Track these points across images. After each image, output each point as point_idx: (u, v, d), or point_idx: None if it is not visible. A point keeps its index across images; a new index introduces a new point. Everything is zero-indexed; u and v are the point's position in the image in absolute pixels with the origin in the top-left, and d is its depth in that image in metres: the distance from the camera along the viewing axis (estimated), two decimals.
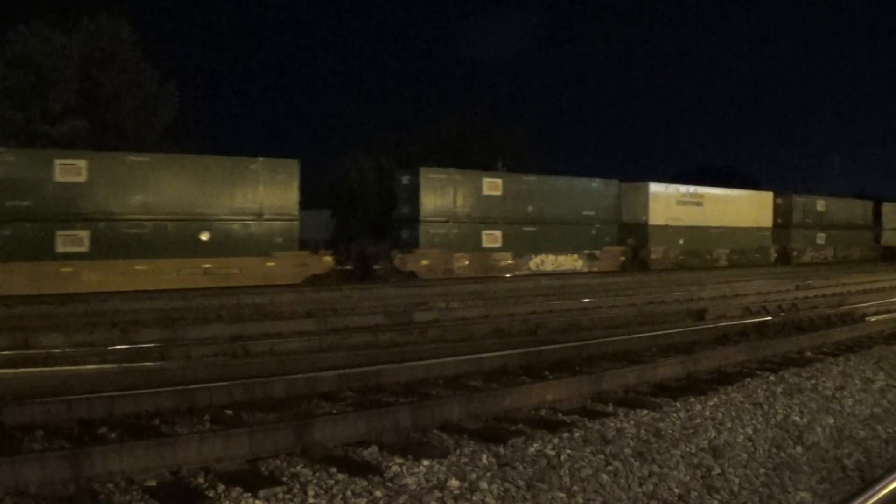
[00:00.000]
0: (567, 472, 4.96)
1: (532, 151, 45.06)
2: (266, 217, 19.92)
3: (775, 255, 34.33)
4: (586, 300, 16.99)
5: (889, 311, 14.63)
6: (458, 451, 5.29)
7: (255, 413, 6.60)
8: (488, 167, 28.94)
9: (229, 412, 6.59)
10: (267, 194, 19.95)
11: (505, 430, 6.09)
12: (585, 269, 25.87)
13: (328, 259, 21.10)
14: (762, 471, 5.25)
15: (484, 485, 4.64)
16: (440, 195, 23.07)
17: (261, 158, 20.22)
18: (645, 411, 6.58)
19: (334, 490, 4.51)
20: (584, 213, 26.65)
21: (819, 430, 6.31)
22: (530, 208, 25.09)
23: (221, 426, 6.07)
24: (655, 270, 27.44)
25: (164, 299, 16.01)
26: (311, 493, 4.47)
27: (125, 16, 29.41)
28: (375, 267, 21.97)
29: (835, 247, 38.14)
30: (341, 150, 41.91)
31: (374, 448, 5.49)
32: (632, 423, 6.17)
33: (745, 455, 5.54)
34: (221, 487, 4.62)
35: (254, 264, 19.45)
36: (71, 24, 28.14)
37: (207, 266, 18.83)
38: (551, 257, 25.39)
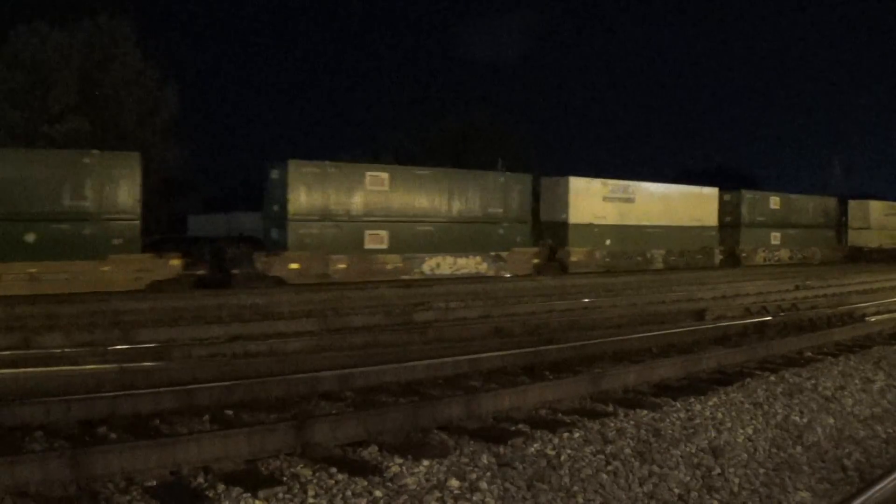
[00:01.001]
0: (567, 472, 4.96)
1: (533, 151, 45.09)
2: (102, 216, 17.78)
3: (721, 256, 31.48)
4: (586, 300, 17.00)
5: (889, 311, 14.62)
6: (458, 451, 5.30)
7: (255, 413, 6.60)
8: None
9: (229, 412, 6.59)
10: (103, 191, 17.74)
11: (505, 430, 6.09)
12: (491, 273, 23.23)
13: (175, 263, 18.74)
14: (762, 471, 5.25)
15: (484, 485, 4.64)
16: (313, 191, 20.51)
17: (96, 151, 18.25)
18: (645, 411, 6.59)
19: (334, 490, 4.51)
20: (490, 210, 23.84)
21: (819, 430, 6.31)
22: (424, 205, 22.44)
23: (221, 426, 6.07)
24: (576, 274, 24.89)
25: (164, 299, 16.00)
26: (311, 493, 4.47)
27: (125, 16, 29.45)
28: (234, 272, 19.57)
29: (792, 247, 35.30)
30: (342, 150, 41.90)
31: (374, 448, 5.49)
32: (632, 423, 6.17)
33: (745, 455, 5.54)
34: (221, 487, 4.62)
35: (86, 269, 17.38)
36: (71, 24, 28.15)
37: (33, 271, 16.81)
38: (449, 259, 22.64)
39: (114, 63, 28.74)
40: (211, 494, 4.53)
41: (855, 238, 39.93)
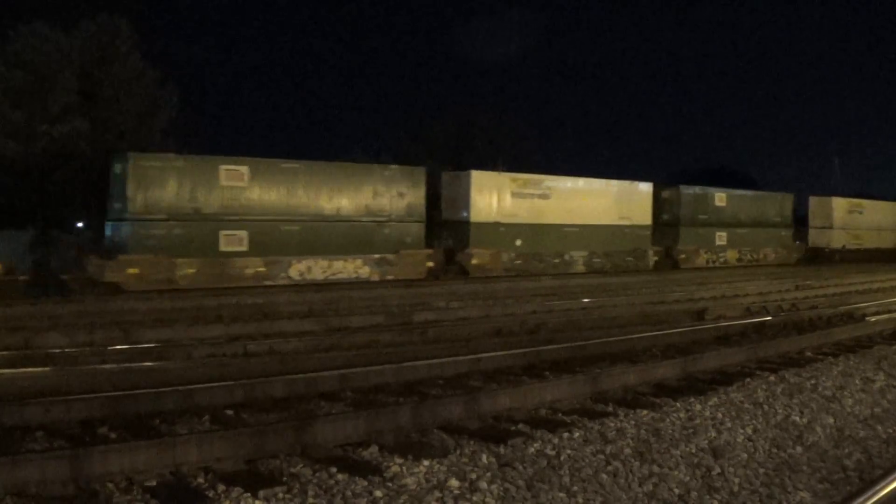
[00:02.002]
0: (567, 472, 4.96)
1: (533, 151, 45.07)
2: None
3: (655, 258, 28.76)
4: (586, 300, 17.00)
5: (889, 311, 14.62)
6: (458, 451, 5.30)
7: (255, 413, 6.60)
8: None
9: (229, 412, 6.59)
10: None
11: (505, 430, 6.09)
12: (376, 278, 21.08)
13: None
14: (762, 471, 5.24)
15: (484, 485, 4.64)
16: (157, 186, 18.30)
17: None
18: (645, 411, 6.58)
19: (334, 490, 4.51)
20: (374, 207, 21.53)
21: (819, 430, 6.30)
22: (291, 201, 20.10)
23: (221, 426, 6.07)
24: (479, 279, 22.49)
25: (164, 299, 16.02)
26: (311, 493, 4.47)
27: (125, 16, 29.44)
28: (63, 277, 17.86)
29: (740, 248, 32.55)
30: (342, 150, 41.92)
31: (374, 448, 5.49)
32: (632, 423, 6.17)
33: (745, 455, 5.54)
34: (221, 487, 4.62)
35: None
36: (71, 24, 28.16)
37: None
38: (323, 263, 20.44)
39: (114, 63, 28.72)
40: (211, 494, 4.53)
41: (816, 238, 37.30)
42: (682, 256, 29.99)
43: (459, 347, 9.77)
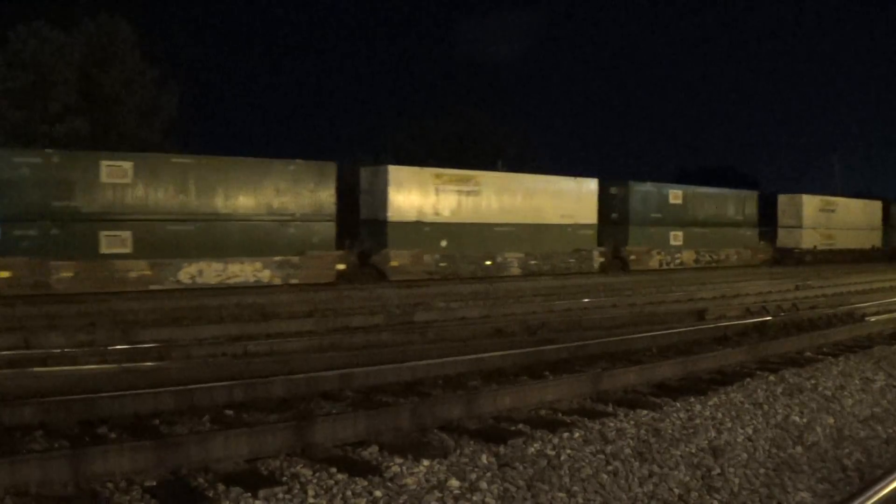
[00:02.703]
0: (567, 472, 4.96)
1: (534, 150, 45.09)
2: None
3: (602, 259, 26.83)
4: (586, 300, 17.00)
5: (889, 311, 14.62)
6: (458, 451, 5.29)
7: (255, 413, 6.61)
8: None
9: (229, 412, 6.59)
10: None
11: (505, 430, 6.09)
12: (278, 282, 19.56)
13: None
14: (762, 471, 5.25)
15: (484, 485, 4.64)
16: (30, 184, 17.11)
17: None
18: (645, 411, 6.58)
19: (334, 490, 4.51)
20: (277, 205, 19.88)
21: (819, 430, 6.31)
22: (181, 200, 18.60)
23: (221, 426, 6.07)
24: (399, 282, 20.99)
25: (164, 299, 16.02)
26: (311, 493, 4.47)
27: (125, 16, 29.48)
28: None
29: (698, 249, 30.48)
30: (342, 149, 41.93)
31: (374, 448, 5.49)
32: (632, 423, 6.17)
33: (745, 455, 5.54)
34: (221, 487, 4.62)
35: None
36: (71, 24, 28.18)
37: None
38: (217, 266, 18.87)
39: (114, 63, 28.77)
40: (211, 494, 4.54)
41: (785, 238, 35.44)
42: (632, 258, 27.98)
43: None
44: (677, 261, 29.69)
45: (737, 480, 5.02)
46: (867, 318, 13.38)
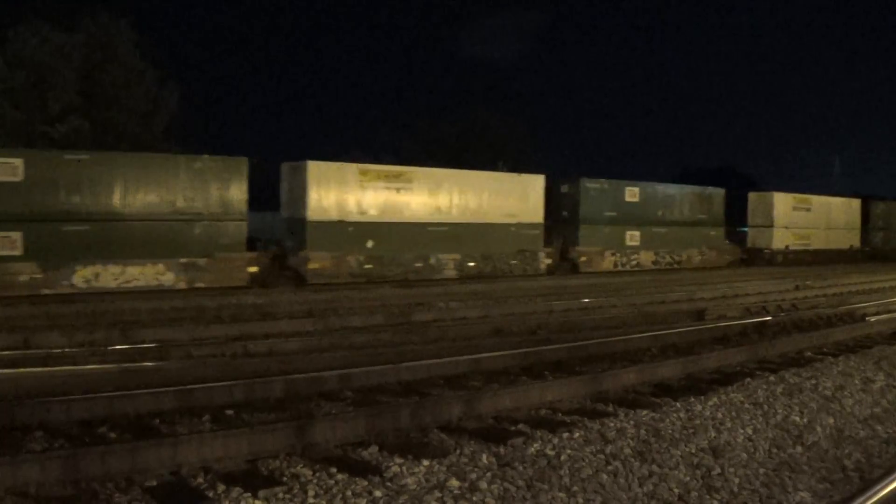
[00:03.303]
0: (567, 472, 4.96)
1: (534, 150, 45.09)
2: None
3: (549, 261, 25.12)
4: (586, 300, 17.00)
5: (889, 311, 14.63)
6: (458, 451, 5.30)
7: (255, 413, 6.61)
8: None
9: (229, 412, 6.59)
10: None
11: (505, 430, 6.09)
12: (182, 285, 18.19)
13: None
14: (762, 471, 5.25)
15: (484, 485, 4.64)
16: None
17: None
18: (645, 411, 6.59)
19: (334, 490, 4.51)
20: (181, 204, 18.48)
21: (819, 430, 6.31)
22: (75, 199, 17.32)
23: (221, 426, 6.07)
24: (321, 287, 19.33)
25: (164, 299, 16.02)
26: (311, 493, 4.47)
27: (125, 16, 29.47)
28: None
29: (657, 249, 28.66)
30: (342, 149, 41.96)
31: (374, 448, 5.49)
32: (632, 423, 6.17)
33: (745, 455, 5.54)
34: (221, 487, 4.62)
35: None
36: (71, 24, 28.17)
37: None
38: (114, 269, 17.64)
39: (114, 63, 28.75)
40: (211, 494, 4.54)
41: (756, 238, 33.63)
42: (583, 259, 26.26)
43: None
44: (634, 262, 27.95)
45: (737, 480, 5.02)
46: (867, 318, 13.39)
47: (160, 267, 18.14)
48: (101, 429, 6.01)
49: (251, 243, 19.98)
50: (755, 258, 32.57)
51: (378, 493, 4.46)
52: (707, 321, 13.09)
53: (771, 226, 33.32)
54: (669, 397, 7.21)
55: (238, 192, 19.15)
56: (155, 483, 4.73)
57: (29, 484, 4.47)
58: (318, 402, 7.10)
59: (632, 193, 28.01)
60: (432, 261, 22.32)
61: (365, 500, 4.39)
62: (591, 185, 26.89)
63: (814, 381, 7.90)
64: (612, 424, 6.10)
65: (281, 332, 11.84)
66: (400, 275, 21.48)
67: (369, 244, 21.08)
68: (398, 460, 5.09)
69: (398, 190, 21.75)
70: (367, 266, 21.04)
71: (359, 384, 7.56)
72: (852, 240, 37.85)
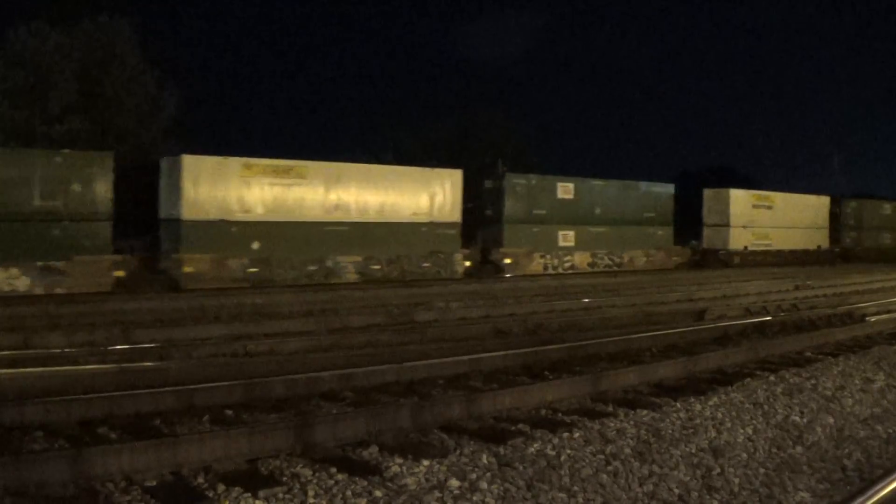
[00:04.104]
0: (567, 472, 4.96)
1: (535, 151, 45.03)
2: None
3: (467, 263, 23.01)
4: (586, 300, 17.00)
5: (889, 311, 14.63)
6: (458, 451, 5.30)
7: (255, 413, 6.61)
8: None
9: (229, 412, 6.59)
10: None
11: (505, 430, 6.09)
12: (40, 291, 16.59)
13: None
14: (762, 471, 5.25)
15: (484, 485, 4.64)
16: None
17: None
18: (645, 411, 6.59)
19: (334, 490, 4.51)
20: (38, 203, 16.83)
21: (819, 430, 6.31)
22: None
23: (221, 426, 6.07)
24: (195, 293, 17.24)
25: (164, 299, 16.02)
26: (311, 493, 4.47)
27: (125, 16, 29.45)
28: None
29: (594, 251, 26.39)
30: (342, 149, 41.95)
31: (374, 448, 5.49)
32: (632, 423, 6.17)
33: (745, 455, 5.54)
34: (221, 487, 4.62)
35: None
36: (71, 24, 28.17)
37: None
38: None
39: (114, 63, 28.73)
40: (211, 494, 4.54)
41: (712, 238, 31.06)
42: (507, 261, 23.90)
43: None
44: (567, 265, 25.66)
45: (737, 480, 5.02)
46: (867, 318, 13.39)
47: (14, 271, 16.61)
48: (101, 429, 6.01)
49: None
50: (709, 259, 30.35)
51: (378, 493, 4.46)
52: (707, 321, 13.10)
53: (727, 225, 30.90)
54: (669, 397, 7.21)
55: (103, 190, 17.53)
56: (155, 483, 4.73)
57: (29, 484, 4.46)
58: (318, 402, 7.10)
59: (565, 190, 25.78)
60: (329, 263, 20.22)
61: (365, 500, 4.39)
62: (517, 180, 24.96)
63: (814, 381, 7.90)
64: (612, 424, 6.10)
65: (279, 331, 11.83)
66: (291, 279, 19.63)
67: (255, 246, 19.10)
68: (398, 460, 5.09)
69: (289, 186, 19.71)
70: (251, 270, 19.03)
71: (359, 384, 7.56)
72: (820, 240, 35.51)
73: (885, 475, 4.93)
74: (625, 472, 5.01)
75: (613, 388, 7.55)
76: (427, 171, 22.97)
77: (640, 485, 4.85)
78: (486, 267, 23.65)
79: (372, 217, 20.97)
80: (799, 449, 5.80)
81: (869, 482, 4.93)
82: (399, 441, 5.67)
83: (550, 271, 24.98)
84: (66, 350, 9.57)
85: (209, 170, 18.76)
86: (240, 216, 18.95)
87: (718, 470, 5.19)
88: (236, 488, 4.56)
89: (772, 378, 8.05)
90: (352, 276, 20.54)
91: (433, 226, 22.12)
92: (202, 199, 18.53)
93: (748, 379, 8.08)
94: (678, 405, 6.79)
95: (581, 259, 26.12)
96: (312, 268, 19.97)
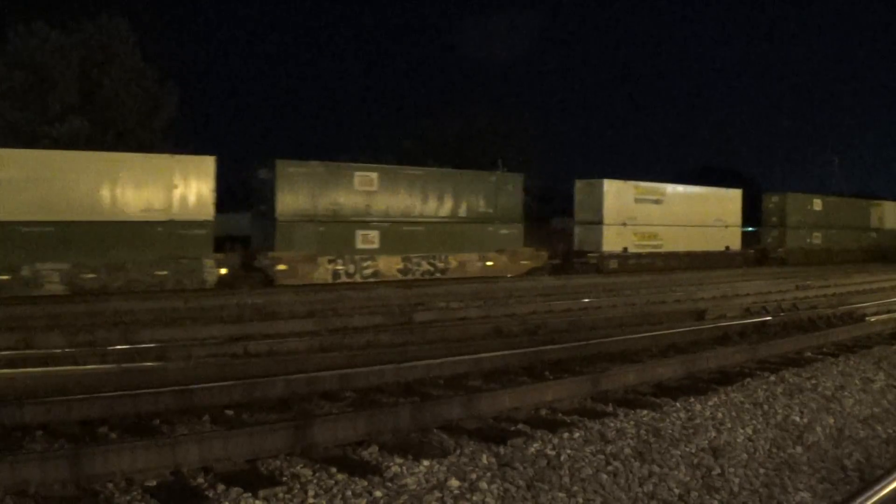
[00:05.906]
0: (567, 472, 4.96)
1: (535, 150, 44.97)
2: None
3: (222, 271, 18.82)
4: (586, 300, 17.00)
5: (889, 311, 14.63)
6: (459, 451, 5.29)
7: (255, 413, 6.60)
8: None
9: (229, 412, 6.59)
10: None
11: (505, 430, 6.09)
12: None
13: None
14: (762, 471, 5.25)
15: (484, 485, 4.64)
16: None
17: None
18: (645, 411, 6.58)
19: (334, 490, 4.51)
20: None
21: (819, 430, 6.31)
22: None
23: (221, 426, 6.07)
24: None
25: (164, 299, 16.01)
26: (311, 493, 4.47)
27: (125, 16, 29.45)
28: None
29: (408, 254, 21.76)
30: (342, 149, 41.95)
31: (374, 448, 5.49)
32: (632, 423, 6.17)
33: (745, 455, 5.54)
34: (221, 487, 4.62)
35: None
36: (71, 24, 28.17)
37: None
38: None
39: (114, 63, 28.74)
40: (211, 494, 4.53)
41: (584, 237, 26.39)
42: (281, 267, 19.54)
43: None
44: (368, 271, 21.02)
45: (737, 480, 5.02)
46: (867, 318, 13.39)
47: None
48: (101, 429, 6.01)
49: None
50: (576, 265, 25.89)
51: (378, 493, 4.46)
52: (707, 321, 13.09)
53: (600, 223, 26.09)
54: (669, 397, 7.20)
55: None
56: (155, 483, 4.73)
57: (29, 484, 4.46)
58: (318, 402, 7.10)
59: (366, 180, 21.17)
60: (26, 272, 16.53)
61: (365, 500, 4.39)
62: (295, 168, 20.31)
63: (814, 381, 7.90)
64: (612, 424, 6.10)
65: (280, 331, 11.82)
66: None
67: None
68: (398, 460, 5.09)
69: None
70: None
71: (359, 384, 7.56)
72: (729, 240, 30.93)
73: (885, 475, 4.93)
74: (625, 472, 5.01)
75: (613, 388, 7.54)
76: (164, 157, 18.95)
77: (640, 485, 4.84)
78: (253, 275, 19.46)
79: (84, 215, 17.13)
80: (799, 449, 5.80)
81: (869, 482, 4.93)
82: (399, 441, 5.67)
83: (345, 279, 20.51)
84: (67, 350, 9.56)
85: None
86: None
87: (718, 470, 5.18)
88: (236, 488, 4.56)
89: (772, 378, 8.04)
90: (56, 287, 16.80)
91: (173, 224, 18.10)
92: None
93: (748, 379, 8.07)
94: (678, 405, 6.78)
95: (388, 264, 21.39)
96: (4, 277, 16.35)
